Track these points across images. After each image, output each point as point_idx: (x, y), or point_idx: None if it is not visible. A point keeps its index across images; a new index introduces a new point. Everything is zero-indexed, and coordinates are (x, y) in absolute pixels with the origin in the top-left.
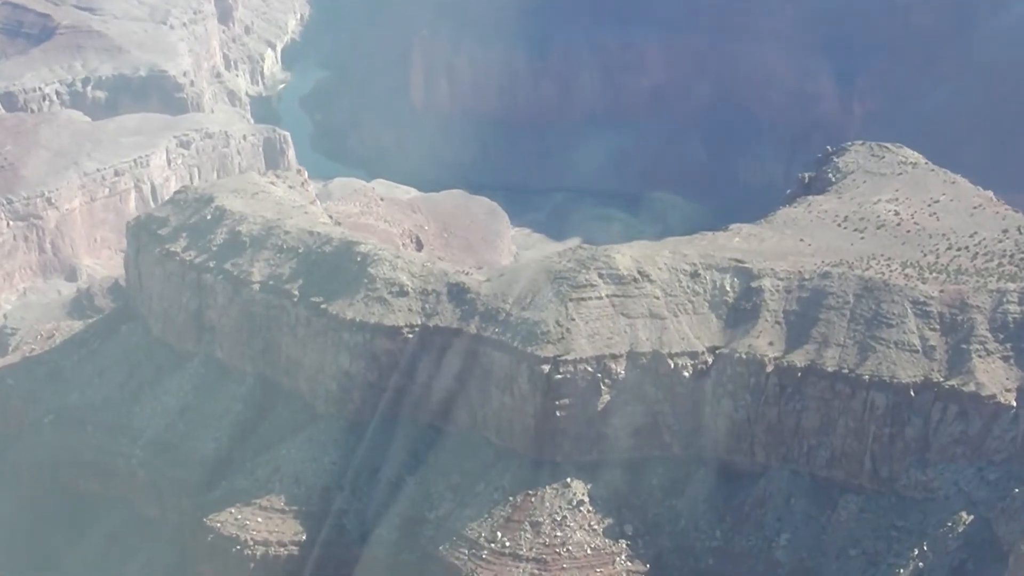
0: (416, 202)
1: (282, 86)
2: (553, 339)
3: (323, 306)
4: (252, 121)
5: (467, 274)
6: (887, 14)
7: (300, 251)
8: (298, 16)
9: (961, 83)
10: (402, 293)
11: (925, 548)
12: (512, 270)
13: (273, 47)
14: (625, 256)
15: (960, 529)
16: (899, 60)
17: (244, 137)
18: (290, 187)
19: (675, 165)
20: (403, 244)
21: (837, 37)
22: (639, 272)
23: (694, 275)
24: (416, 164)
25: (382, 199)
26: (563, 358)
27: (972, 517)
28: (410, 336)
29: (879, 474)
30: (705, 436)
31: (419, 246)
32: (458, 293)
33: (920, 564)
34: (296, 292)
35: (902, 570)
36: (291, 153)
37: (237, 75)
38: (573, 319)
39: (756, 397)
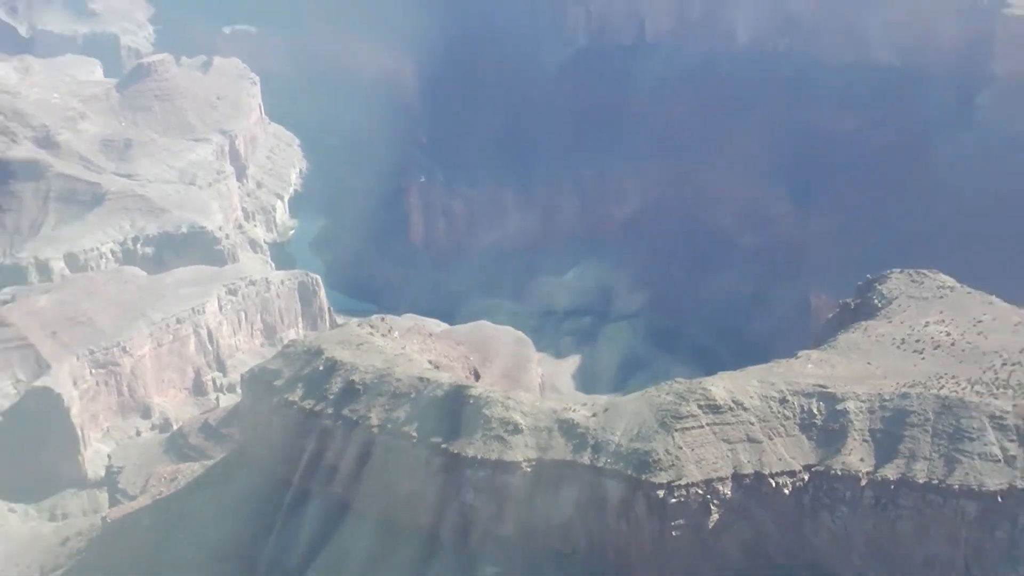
0: (453, 335)
1: (292, 232)
2: (665, 466)
3: (443, 446)
4: (273, 266)
5: (574, 411)
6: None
7: (412, 396)
8: (297, 169)
9: (929, 204)
10: (517, 431)
11: None
12: (614, 404)
13: (281, 198)
14: (719, 387)
15: None
16: (860, 182)
17: (282, 282)
18: (383, 336)
19: (654, 285)
20: (466, 377)
21: (797, 160)
22: (733, 401)
23: (783, 401)
24: (418, 294)
25: (430, 335)
26: (676, 483)
27: None
28: (528, 470)
29: (972, 574)
30: (806, 547)
31: (477, 378)
32: (568, 428)
33: None
34: (414, 434)
35: None
36: (322, 294)
37: (255, 225)
38: (680, 447)
39: (852, 509)
